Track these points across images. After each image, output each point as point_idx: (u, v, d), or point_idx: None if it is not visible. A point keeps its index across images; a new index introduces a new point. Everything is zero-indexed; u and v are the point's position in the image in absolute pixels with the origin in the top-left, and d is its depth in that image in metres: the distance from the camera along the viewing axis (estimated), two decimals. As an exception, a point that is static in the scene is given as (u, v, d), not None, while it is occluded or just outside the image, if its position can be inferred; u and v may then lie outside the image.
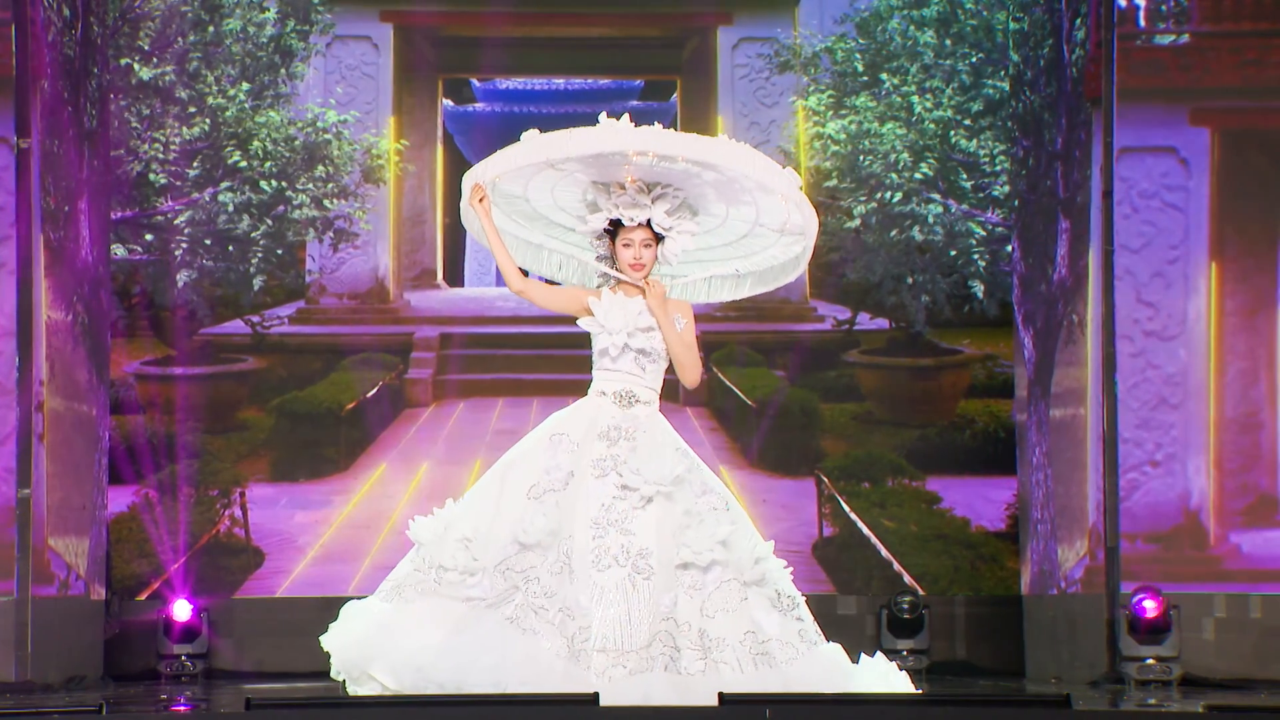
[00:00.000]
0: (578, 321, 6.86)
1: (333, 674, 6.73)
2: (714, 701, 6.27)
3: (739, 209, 6.86)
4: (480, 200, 6.83)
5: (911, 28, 11.94)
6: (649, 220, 6.79)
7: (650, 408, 6.83)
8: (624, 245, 6.81)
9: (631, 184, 6.77)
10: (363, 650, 6.60)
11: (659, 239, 6.82)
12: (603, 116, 6.70)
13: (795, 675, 6.54)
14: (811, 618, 6.74)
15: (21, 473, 10.07)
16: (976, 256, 11.84)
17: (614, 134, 6.62)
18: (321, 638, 6.76)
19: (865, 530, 11.60)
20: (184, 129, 11.72)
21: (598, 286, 6.94)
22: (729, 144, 6.68)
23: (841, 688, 6.61)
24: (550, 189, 6.90)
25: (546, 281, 7.21)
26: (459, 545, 6.63)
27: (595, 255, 6.92)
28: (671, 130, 6.72)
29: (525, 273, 7.01)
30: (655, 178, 6.76)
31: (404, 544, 11.51)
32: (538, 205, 6.98)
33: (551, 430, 6.79)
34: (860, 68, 11.97)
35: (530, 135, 6.73)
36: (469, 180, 6.89)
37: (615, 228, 6.82)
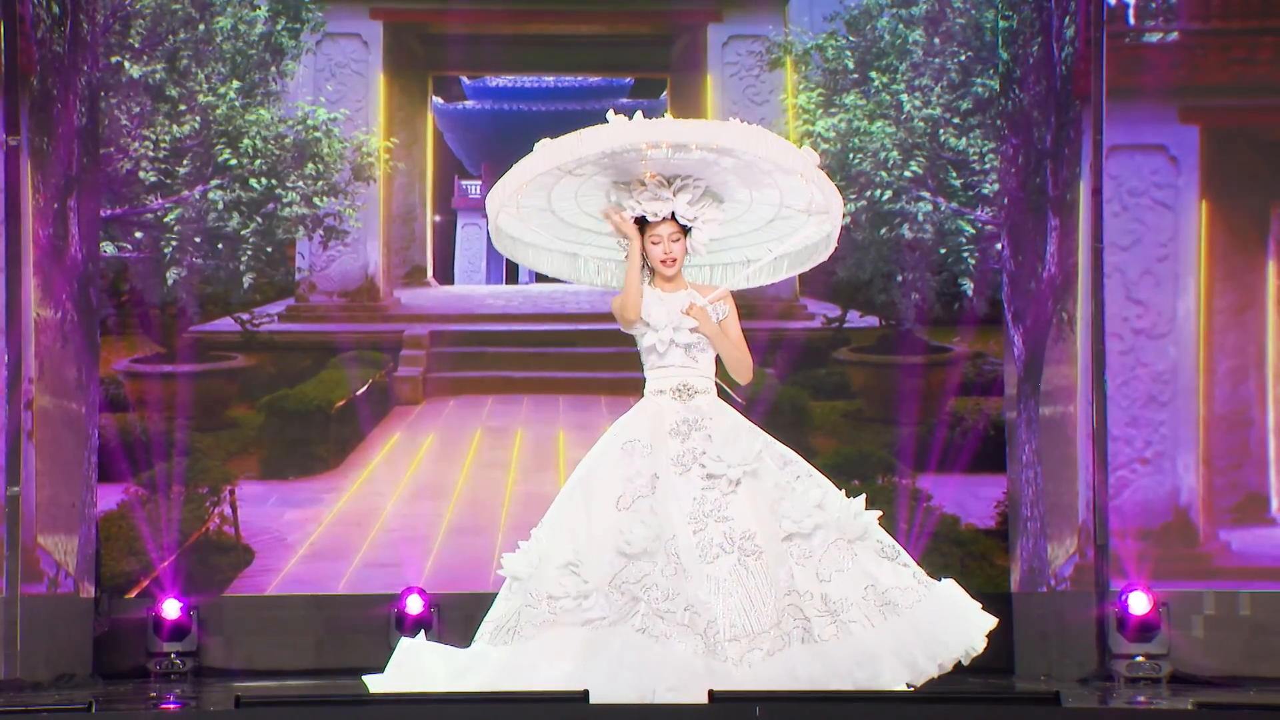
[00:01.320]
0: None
1: None
2: (856, 667, 6.33)
3: (762, 193, 6.84)
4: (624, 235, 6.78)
5: (901, 26, 11.94)
6: (673, 213, 6.77)
7: (709, 396, 6.80)
8: (652, 242, 6.79)
9: (651, 179, 6.74)
10: None
11: (686, 231, 6.80)
12: (610, 114, 6.67)
13: (920, 618, 6.54)
14: (913, 561, 6.74)
15: (10, 470, 10.06)
16: (966, 254, 11.85)
17: (623, 129, 6.57)
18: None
19: (855, 528, 11.59)
20: (174, 126, 11.70)
21: None
22: (741, 126, 6.63)
23: (964, 625, 6.59)
24: (574, 196, 6.87)
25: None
26: (564, 571, 6.54)
27: (625, 255, 6.88)
28: (679, 119, 6.68)
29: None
30: (674, 170, 6.73)
31: (394, 542, 11.57)
32: (564, 215, 6.95)
33: (621, 438, 6.74)
34: (850, 65, 11.98)
35: (542, 144, 6.68)
36: (491, 201, 6.82)
37: (642, 225, 6.80)
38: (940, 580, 6.75)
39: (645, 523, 6.54)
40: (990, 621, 6.70)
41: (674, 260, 6.79)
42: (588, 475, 6.73)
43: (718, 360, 6.87)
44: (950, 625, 6.59)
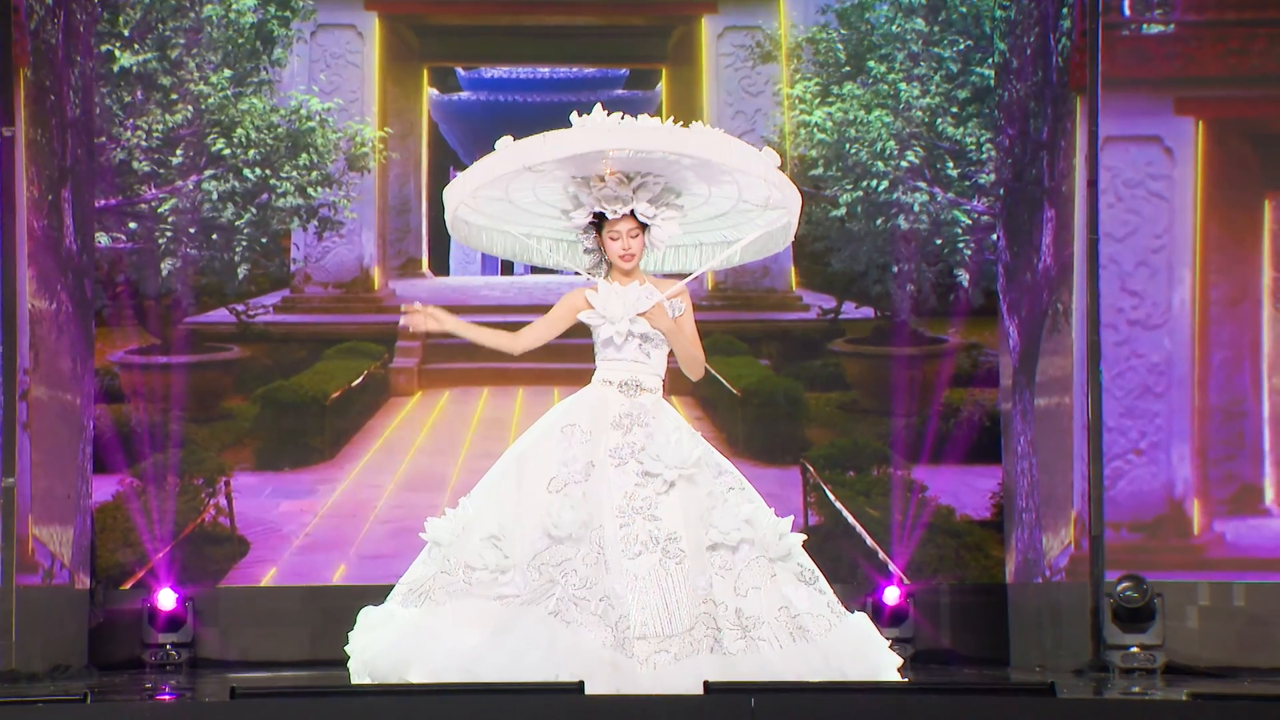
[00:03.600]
0: (579, 316, 6.85)
1: (354, 679, 6.66)
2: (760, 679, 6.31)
3: (721, 188, 6.89)
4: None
5: (900, 15, 11.93)
6: (632, 210, 6.80)
7: (655, 395, 6.83)
8: (611, 238, 6.82)
9: (611, 176, 6.77)
10: (397, 656, 6.53)
11: (645, 227, 6.83)
12: (574, 116, 6.69)
13: (831, 647, 6.58)
14: (830, 589, 6.77)
15: (5, 461, 10.06)
16: (962, 245, 11.84)
17: (588, 135, 6.61)
18: (348, 648, 6.71)
19: (850, 519, 11.61)
20: (167, 116, 11.69)
21: (589, 273, 6.95)
22: (704, 134, 6.67)
23: (873, 660, 6.66)
24: (531, 188, 6.90)
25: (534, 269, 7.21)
26: (487, 544, 6.59)
27: (583, 249, 6.92)
28: (645, 118, 6.69)
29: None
30: (634, 167, 6.75)
31: (389, 534, 11.57)
32: (521, 203, 6.98)
33: (561, 421, 6.77)
34: (844, 57, 11.97)
35: (504, 143, 6.71)
36: (451, 195, 6.88)
37: (600, 220, 6.83)
38: (853, 613, 6.80)
39: (575, 508, 6.57)
40: (896, 661, 6.76)
41: (632, 256, 6.83)
42: (524, 453, 6.76)
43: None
44: (859, 658, 6.63)
